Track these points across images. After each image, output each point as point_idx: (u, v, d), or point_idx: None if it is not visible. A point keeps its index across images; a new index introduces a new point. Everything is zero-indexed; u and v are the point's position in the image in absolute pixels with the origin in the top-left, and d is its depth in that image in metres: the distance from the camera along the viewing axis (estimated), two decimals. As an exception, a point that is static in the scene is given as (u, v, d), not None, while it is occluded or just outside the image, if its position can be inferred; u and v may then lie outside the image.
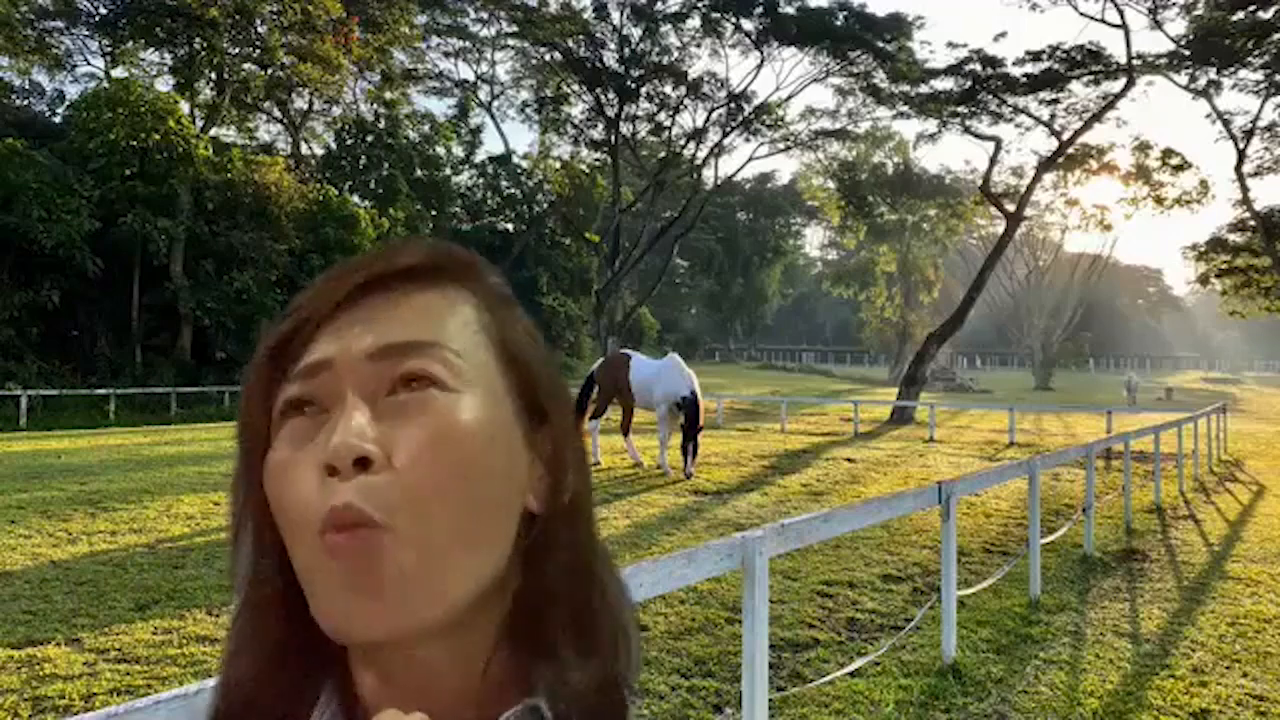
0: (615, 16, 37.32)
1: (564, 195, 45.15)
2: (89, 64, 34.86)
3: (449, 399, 0.50)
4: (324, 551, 0.47)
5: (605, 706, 0.52)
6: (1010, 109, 30.28)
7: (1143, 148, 32.56)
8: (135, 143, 26.69)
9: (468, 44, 41.62)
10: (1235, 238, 29.89)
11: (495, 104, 45.19)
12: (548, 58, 39.95)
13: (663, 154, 42.40)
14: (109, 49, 32.42)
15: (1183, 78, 27.84)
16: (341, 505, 0.46)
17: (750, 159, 68.24)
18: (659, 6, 36.82)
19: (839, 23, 34.05)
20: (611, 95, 39.37)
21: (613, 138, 40.85)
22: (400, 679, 0.51)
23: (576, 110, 42.65)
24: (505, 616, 0.53)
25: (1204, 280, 32.14)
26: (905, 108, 33.55)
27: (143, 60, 33.25)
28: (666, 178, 41.44)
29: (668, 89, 39.56)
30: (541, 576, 0.53)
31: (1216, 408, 17.66)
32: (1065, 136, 29.51)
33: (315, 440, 0.49)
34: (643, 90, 39.29)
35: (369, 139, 38.31)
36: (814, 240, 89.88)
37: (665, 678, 4.62)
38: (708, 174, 43.38)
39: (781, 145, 41.97)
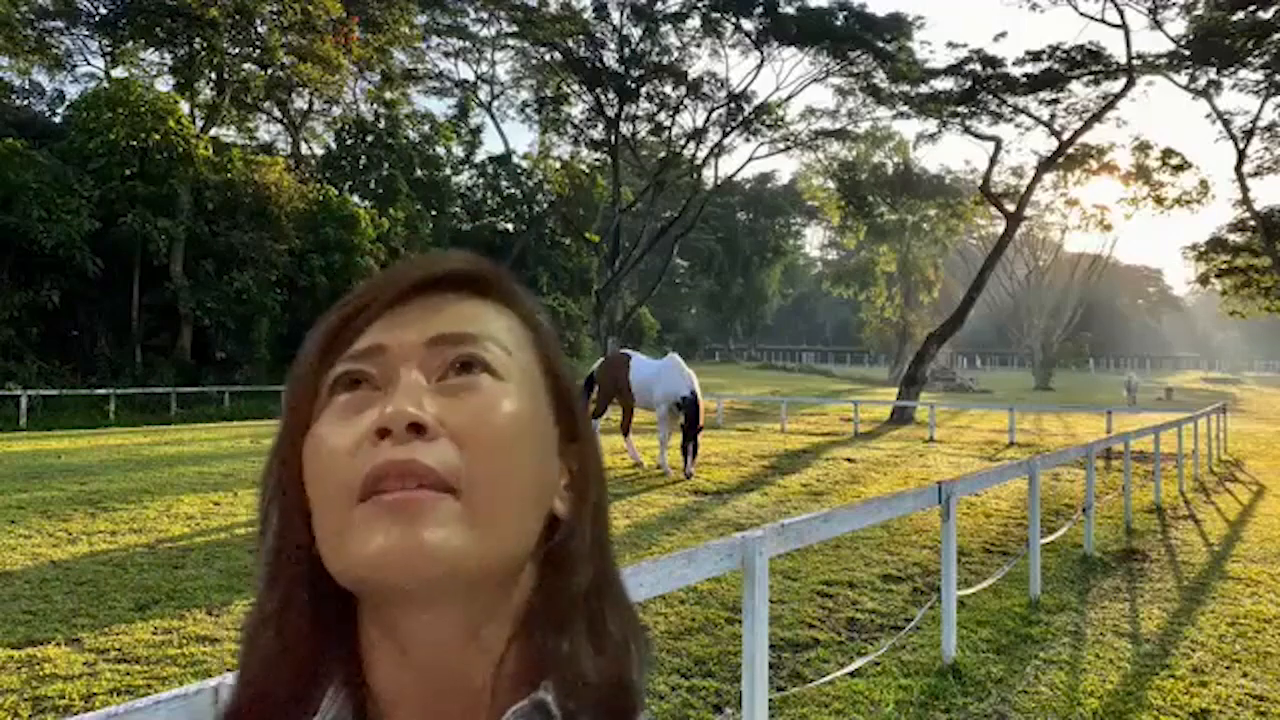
0: (615, 16, 37.32)
1: (564, 195, 45.13)
2: (89, 64, 34.91)
3: (499, 386, 0.52)
4: (365, 505, 0.48)
5: (616, 707, 0.53)
6: (1010, 109, 30.28)
7: (1143, 148, 32.55)
8: (135, 143, 26.69)
9: (468, 44, 41.59)
10: (1235, 238, 29.89)
11: (495, 104, 45.18)
12: (548, 58, 39.92)
13: (663, 154, 42.36)
14: (109, 49, 32.41)
15: (1183, 78, 27.86)
16: (401, 459, 0.48)
17: (750, 159, 68.20)
18: (659, 6, 36.80)
19: (839, 23, 34.02)
20: (611, 95, 39.33)
21: (613, 138, 40.81)
22: (418, 662, 0.51)
23: (576, 110, 42.64)
24: (523, 613, 0.54)
25: (1204, 280, 32.15)
26: (905, 108, 33.55)
27: (143, 60, 33.27)
28: (666, 178, 41.40)
29: (668, 89, 39.52)
30: (562, 578, 0.54)
31: (1216, 408, 17.66)
32: (1065, 136, 29.51)
33: (364, 414, 0.50)
34: (643, 90, 39.24)
35: (369, 139, 38.30)
36: (814, 240, 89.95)
37: (665, 678, 4.62)
38: (708, 174, 43.39)
39: (781, 145, 41.94)
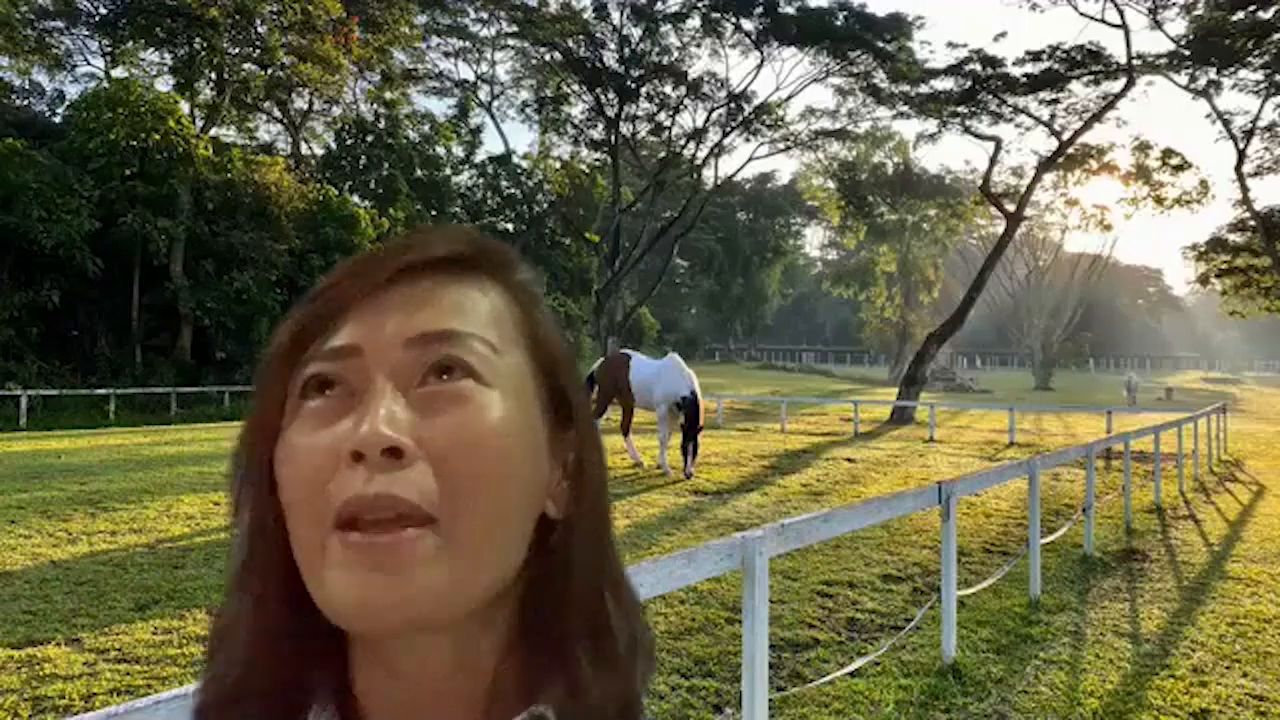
0: (615, 16, 37.34)
1: (564, 195, 45.15)
2: (89, 64, 34.94)
3: (482, 393, 0.48)
4: (341, 540, 0.44)
5: (617, 718, 0.50)
6: (1010, 109, 30.28)
7: (1143, 148, 32.55)
8: (135, 143, 26.70)
9: (468, 44, 41.63)
10: (1235, 238, 29.89)
11: (495, 104, 45.24)
12: (548, 58, 39.94)
13: (663, 154, 42.36)
14: (109, 49, 32.42)
15: (1183, 78, 27.86)
16: (373, 495, 0.44)
17: (750, 159, 68.25)
18: (659, 6, 36.81)
19: (839, 23, 34.04)
20: (611, 95, 39.34)
21: (613, 138, 40.81)
22: (407, 680, 0.49)
23: (576, 110, 42.66)
24: (517, 624, 0.51)
25: (1204, 280, 32.15)
26: (905, 108, 33.55)
27: (143, 60, 33.28)
28: (666, 178, 41.40)
29: (668, 89, 39.54)
30: (558, 585, 0.51)
31: (1216, 408, 17.66)
32: (1065, 136, 29.51)
33: (337, 425, 0.46)
34: (643, 90, 39.25)
35: (369, 139, 38.32)
36: (814, 240, 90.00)
37: (665, 678, 4.62)
38: (708, 174, 43.40)
39: (781, 145, 41.95)
